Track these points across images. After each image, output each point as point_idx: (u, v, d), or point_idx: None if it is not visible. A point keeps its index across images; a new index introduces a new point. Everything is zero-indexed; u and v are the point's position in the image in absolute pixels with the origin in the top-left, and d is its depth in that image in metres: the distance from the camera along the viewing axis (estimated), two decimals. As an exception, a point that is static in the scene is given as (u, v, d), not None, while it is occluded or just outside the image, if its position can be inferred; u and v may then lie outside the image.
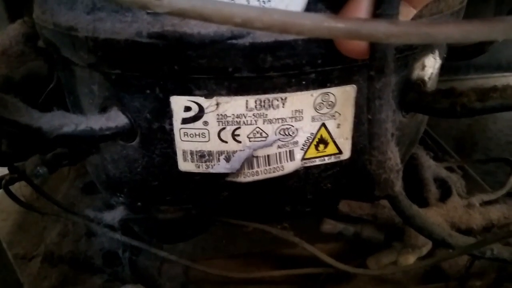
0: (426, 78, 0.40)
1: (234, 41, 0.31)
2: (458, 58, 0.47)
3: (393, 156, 0.31)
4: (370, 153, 0.31)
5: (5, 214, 0.59)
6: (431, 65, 0.40)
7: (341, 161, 0.39)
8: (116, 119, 0.37)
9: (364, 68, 0.34)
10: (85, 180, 0.59)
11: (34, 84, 0.44)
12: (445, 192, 0.46)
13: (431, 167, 0.49)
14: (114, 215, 0.41)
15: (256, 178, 0.37)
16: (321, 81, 0.34)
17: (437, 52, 0.41)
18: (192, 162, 0.37)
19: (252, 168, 0.37)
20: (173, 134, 0.36)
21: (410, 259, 0.41)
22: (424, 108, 0.38)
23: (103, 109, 0.37)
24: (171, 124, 0.35)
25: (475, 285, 0.44)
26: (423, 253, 0.43)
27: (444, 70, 0.44)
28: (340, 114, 0.36)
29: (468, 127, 0.92)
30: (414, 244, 0.41)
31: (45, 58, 0.45)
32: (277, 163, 0.37)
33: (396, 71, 0.36)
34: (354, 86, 0.35)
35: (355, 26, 0.21)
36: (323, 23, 0.21)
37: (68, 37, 0.34)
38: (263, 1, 0.30)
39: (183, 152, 0.37)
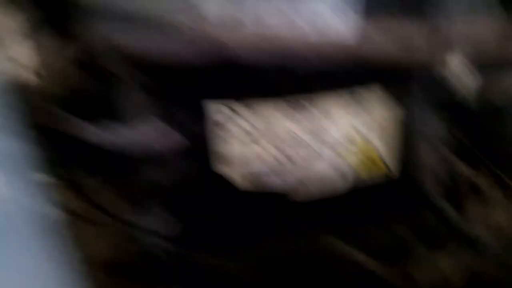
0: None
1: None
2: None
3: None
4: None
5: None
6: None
7: (390, 180, 0.39)
8: (155, 125, 0.38)
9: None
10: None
11: (80, 98, 0.45)
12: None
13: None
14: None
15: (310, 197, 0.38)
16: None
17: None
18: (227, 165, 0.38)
19: (306, 188, 0.38)
20: (209, 137, 0.37)
21: None
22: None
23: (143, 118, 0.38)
24: (206, 127, 0.36)
25: None
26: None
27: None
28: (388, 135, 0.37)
29: None
30: None
31: (89, 72, 0.45)
32: (330, 183, 0.38)
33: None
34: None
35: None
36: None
37: (114, 52, 0.35)
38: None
39: (219, 155, 0.38)
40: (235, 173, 0.38)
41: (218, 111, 0.35)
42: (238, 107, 0.35)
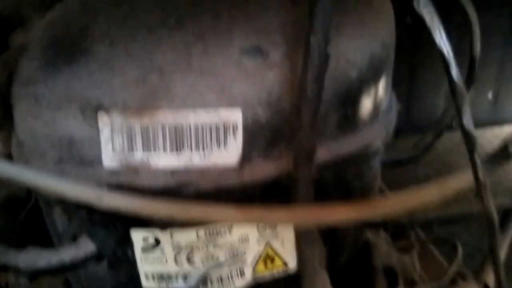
0: (365, 188, 0.45)
1: (180, 190, 0.36)
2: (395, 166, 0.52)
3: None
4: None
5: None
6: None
7: (288, 272, 0.43)
8: (86, 246, 0.41)
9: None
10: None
11: (15, 204, 0.49)
12: (393, 281, 0.51)
13: (381, 256, 0.53)
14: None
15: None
16: (262, 211, 0.39)
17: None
18: (153, 281, 0.42)
19: (207, 286, 0.41)
20: (135, 259, 0.40)
21: None
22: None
23: (74, 237, 0.42)
24: (132, 251, 0.40)
25: None
26: None
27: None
28: (282, 232, 0.41)
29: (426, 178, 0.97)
30: None
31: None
32: (229, 281, 0.41)
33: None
34: (292, 211, 0.40)
35: (257, 216, 0.26)
36: (231, 215, 0.26)
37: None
38: (204, 153, 0.36)
39: (145, 274, 0.41)
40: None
41: (144, 239, 0.39)
42: (162, 235, 0.39)
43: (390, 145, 0.51)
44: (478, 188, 0.23)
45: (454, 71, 0.22)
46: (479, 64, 0.56)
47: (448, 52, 0.22)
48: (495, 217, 0.26)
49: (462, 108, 0.22)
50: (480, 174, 0.22)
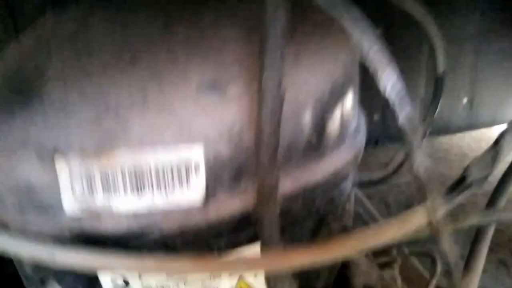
0: (337, 212, 0.45)
1: (144, 234, 0.35)
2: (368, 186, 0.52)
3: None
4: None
5: None
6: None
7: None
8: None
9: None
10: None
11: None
12: (373, 301, 0.50)
13: (361, 275, 0.53)
14: None
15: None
16: (230, 246, 0.38)
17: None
18: (126, 322, 0.40)
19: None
20: (105, 301, 0.39)
21: None
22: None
23: (42, 281, 0.41)
24: (102, 294, 0.39)
25: None
26: None
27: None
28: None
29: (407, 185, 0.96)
30: None
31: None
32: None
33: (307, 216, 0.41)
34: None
35: (215, 267, 0.25)
36: (189, 267, 0.25)
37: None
38: (166, 194, 0.35)
39: (117, 315, 0.40)
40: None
41: (113, 281, 0.38)
42: (131, 276, 0.38)
43: (367, 155, 0.50)
44: (433, 232, 0.23)
45: (405, 111, 0.21)
46: (452, 70, 0.55)
47: (398, 92, 0.21)
48: (453, 257, 0.26)
49: (413, 152, 0.21)
50: (434, 219, 0.22)
